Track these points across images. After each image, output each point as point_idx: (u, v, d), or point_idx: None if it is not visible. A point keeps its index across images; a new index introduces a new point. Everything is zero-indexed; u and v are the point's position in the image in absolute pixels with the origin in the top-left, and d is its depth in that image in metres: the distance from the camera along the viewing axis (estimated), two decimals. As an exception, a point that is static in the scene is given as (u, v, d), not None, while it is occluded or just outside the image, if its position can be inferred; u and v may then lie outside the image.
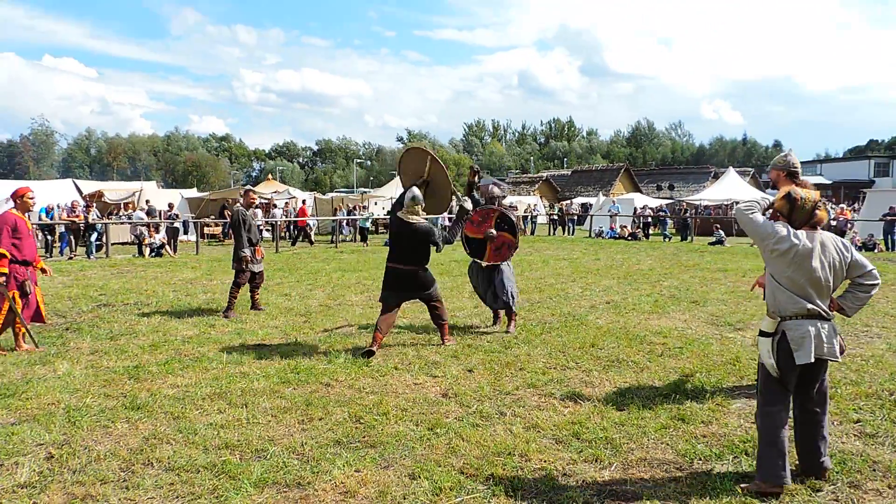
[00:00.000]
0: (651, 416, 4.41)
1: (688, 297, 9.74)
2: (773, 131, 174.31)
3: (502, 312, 7.37)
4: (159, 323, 7.67)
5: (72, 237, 16.83)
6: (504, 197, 7.61)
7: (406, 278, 6.26)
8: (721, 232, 22.36)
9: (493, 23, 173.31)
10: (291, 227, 25.10)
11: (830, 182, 51.24)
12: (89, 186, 25.44)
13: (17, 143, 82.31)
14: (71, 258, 16.01)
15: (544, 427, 4.20)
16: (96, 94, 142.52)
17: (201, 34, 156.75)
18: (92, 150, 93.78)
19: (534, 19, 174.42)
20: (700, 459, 3.72)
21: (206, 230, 23.61)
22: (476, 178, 7.14)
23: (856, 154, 76.81)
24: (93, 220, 17.09)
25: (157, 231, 17.46)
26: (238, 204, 8.81)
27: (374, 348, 5.98)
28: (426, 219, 6.41)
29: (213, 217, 24.49)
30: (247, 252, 8.04)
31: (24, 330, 6.12)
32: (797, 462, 3.54)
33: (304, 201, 25.97)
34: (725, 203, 28.81)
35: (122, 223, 19.07)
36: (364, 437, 4.02)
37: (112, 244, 17.53)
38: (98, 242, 16.87)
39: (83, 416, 4.32)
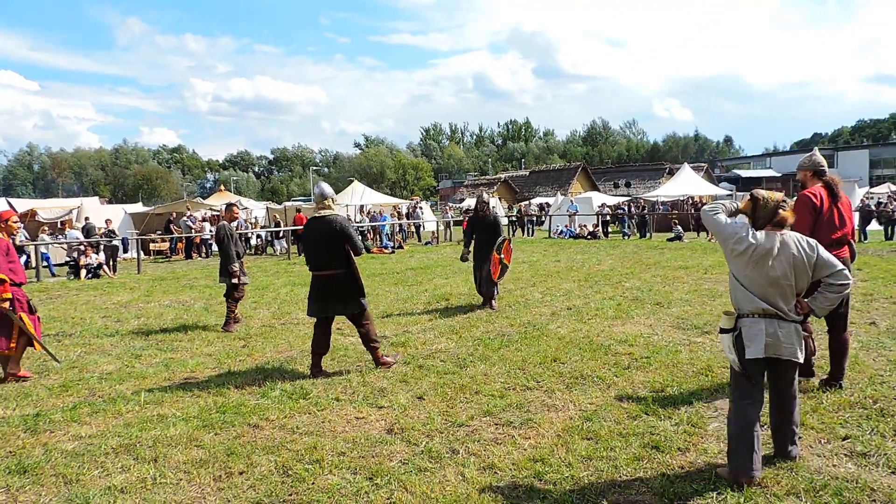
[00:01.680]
0: (621, 444, 3.93)
1: (651, 298, 9.39)
2: (723, 127, 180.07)
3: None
4: (78, 357, 6.87)
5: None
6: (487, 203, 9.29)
7: (331, 283, 5.71)
8: (679, 228, 22.35)
9: (446, 27, 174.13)
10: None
11: (780, 175, 52.40)
12: (25, 205, 23.91)
13: (-49, 161, 78.37)
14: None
15: (501, 467, 3.66)
16: (39, 107, 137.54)
17: (149, 44, 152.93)
18: (35, 166, 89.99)
19: (485, 23, 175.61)
20: (679, 499, 3.24)
21: (151, 246, 22.43)
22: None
23: (802, 147, 79.30)
24: (21, 242, 15.90)
25: (97, 250, 16.37)
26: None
27: (316, 371, 5.76)
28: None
29: (159, 232, 23.29)
30: (236, 267, 8.21)
31: (39, 347, 6.14)
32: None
33: (297, 210, 25.25)
34: (681, 199, 28.92)
35: (54, 244, 17.80)
36: (291, 494, 3.41)
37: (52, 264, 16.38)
38: (74, 264, 15.70)
39: (-50, 487, 3.59)
